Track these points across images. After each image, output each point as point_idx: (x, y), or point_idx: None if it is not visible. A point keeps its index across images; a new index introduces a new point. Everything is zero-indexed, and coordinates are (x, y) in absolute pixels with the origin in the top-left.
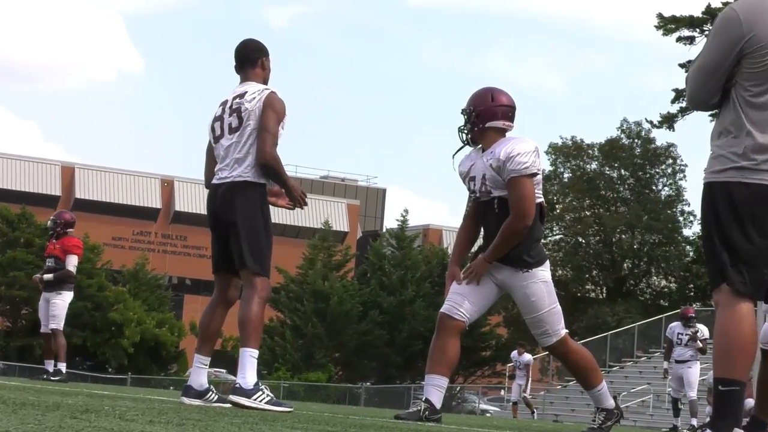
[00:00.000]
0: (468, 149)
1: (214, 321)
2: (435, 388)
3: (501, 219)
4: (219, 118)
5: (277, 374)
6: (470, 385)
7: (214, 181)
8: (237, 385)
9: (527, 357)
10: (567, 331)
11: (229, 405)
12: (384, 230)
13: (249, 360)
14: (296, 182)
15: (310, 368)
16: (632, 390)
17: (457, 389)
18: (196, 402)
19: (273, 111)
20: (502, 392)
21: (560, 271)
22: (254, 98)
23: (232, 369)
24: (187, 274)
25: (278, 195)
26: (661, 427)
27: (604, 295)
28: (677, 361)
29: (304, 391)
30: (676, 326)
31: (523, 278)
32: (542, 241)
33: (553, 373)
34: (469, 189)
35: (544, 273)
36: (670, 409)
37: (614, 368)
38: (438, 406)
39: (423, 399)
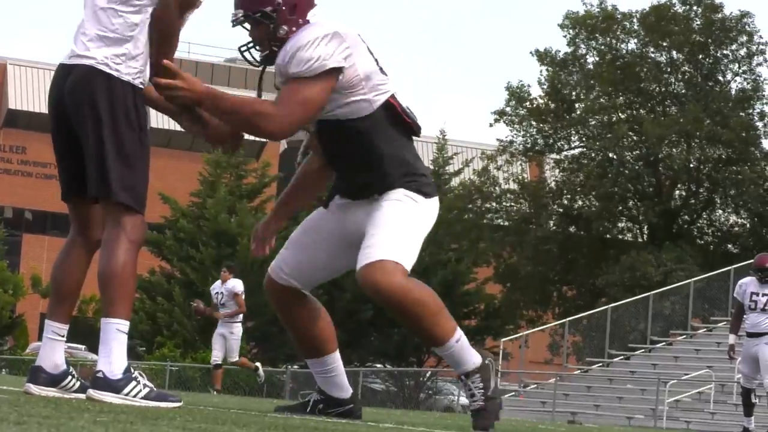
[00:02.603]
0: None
1: (72, 272)
2: (321, 376)
3: (336, 146)
4: None
5: (161, 352)
6: (447, 369)
7: (65, 60)
8: (99, 374)
9: (233, 284)
10: (407, 268)
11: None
12: None
13: (115, 336)
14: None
15: (209, 344)
16: (685, 377)
17: (427, 375)
18: (49, 391)
19: None
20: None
21: (580, 202)
22: None
23: (94, 344)
24: (27, 204)
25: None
26: (727, 429)
27: (645, 236)
28: (750, 334)
29: (202, 377)
30: (748, 283)
31: (379, 202)
32: (424, 167)
33: (567, 353)
34: None
35: (411, 198)
36: (739, 404)
37: (659, 345)
38: (340, 394)
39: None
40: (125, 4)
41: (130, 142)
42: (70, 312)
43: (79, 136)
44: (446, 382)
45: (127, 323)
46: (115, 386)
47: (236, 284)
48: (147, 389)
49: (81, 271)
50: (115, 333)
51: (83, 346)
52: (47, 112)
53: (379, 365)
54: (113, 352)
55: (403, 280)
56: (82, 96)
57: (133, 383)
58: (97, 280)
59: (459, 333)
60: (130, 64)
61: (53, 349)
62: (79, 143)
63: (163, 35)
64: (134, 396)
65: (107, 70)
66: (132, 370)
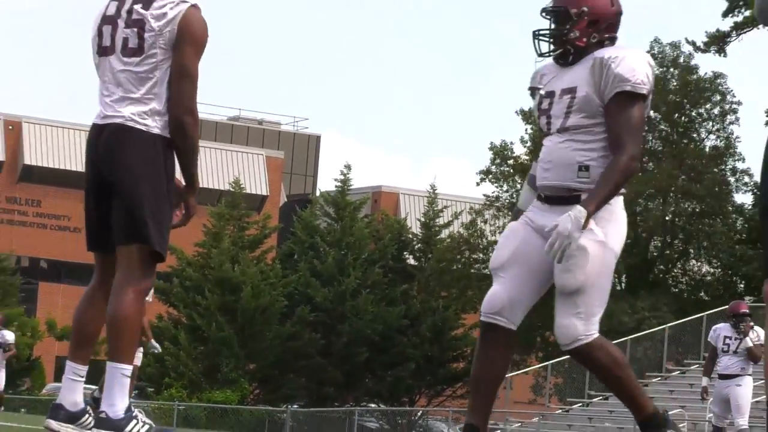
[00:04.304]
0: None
1: (93, 318)
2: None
3: None
4: (111, 21)
5: (168, 393)
6: (436, 409)
7: (96, 120)
8: (102, 414)
9: (4, 336)
10: None
11: None
12: (317, 194)
13: (119, 380)
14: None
15: (214, 385)
16: None
17: (418, 414)
18: (68, 427)
19: (194, 43)
20: None
21: None
22: (165, 14)
23: None
24: (43, 254)
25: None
26: None
27: (623, 285)
28: (722, 377)
29: (207, 416)
30: (722, 328)
31: None
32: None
33: (550, 393)
34: None
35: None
36: None
37: None
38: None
39: None
40: (140, 65)
41: (160, 194)
42: (89, 355)
43: (111, 189)
44: (436, 421)
45: (131, 367)
46: (117, 425)
47: (8, 337)
48: (147, 426)
49: (101, 317)
50: (120, 378)
51: (97, 387)
52: (64, 167)
53: (373, 405)
54: (116, 395)
55: None
56: (113, 151)
57: (134, 422)
58: (107, 324)
59: None
60: (156, 119)
61: (73, 389)
62: (108, 197)
63: (184, 77)
64: None
65: (136, 126)
66: (132, 409)
